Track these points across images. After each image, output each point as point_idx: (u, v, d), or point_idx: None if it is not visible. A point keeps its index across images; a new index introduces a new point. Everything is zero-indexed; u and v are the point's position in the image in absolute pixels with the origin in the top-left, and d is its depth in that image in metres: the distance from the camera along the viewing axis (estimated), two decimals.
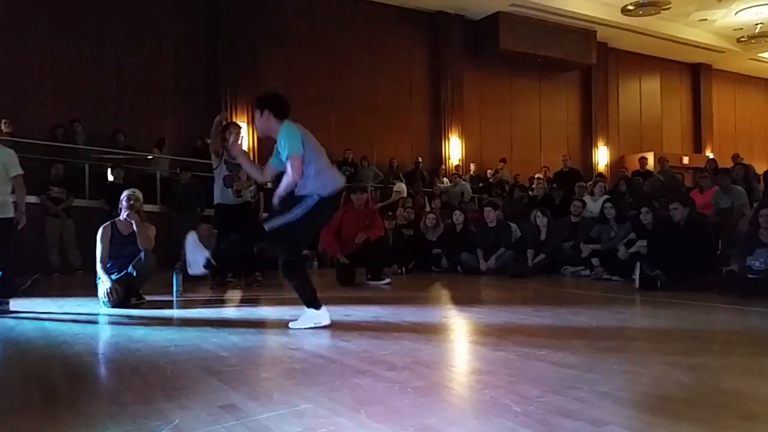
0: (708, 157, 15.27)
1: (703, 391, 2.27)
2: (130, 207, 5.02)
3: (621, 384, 2.32)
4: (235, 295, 5.95)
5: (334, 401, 2.14)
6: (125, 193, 5.13)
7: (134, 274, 4.90)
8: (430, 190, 12.22)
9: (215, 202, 6.39)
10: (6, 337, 3.73)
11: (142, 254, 4.95)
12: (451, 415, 2.02)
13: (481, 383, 2.46)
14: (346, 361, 2.81)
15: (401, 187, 10.82)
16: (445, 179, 12.83)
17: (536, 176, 12.48)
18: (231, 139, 5.06)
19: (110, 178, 9.10)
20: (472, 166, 13.80)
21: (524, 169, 14.21)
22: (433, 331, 3.64)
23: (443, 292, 6.42)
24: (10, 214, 4.59)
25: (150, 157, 10.34)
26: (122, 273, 4.87)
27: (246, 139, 11.53)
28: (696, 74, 18.94)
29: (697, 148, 18.76)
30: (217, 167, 6.30)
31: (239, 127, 6.81)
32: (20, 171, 4.72)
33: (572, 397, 2.14)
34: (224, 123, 6.59)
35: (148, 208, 9.09)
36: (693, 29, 16.55)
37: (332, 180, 3.68)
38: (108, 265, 4.90)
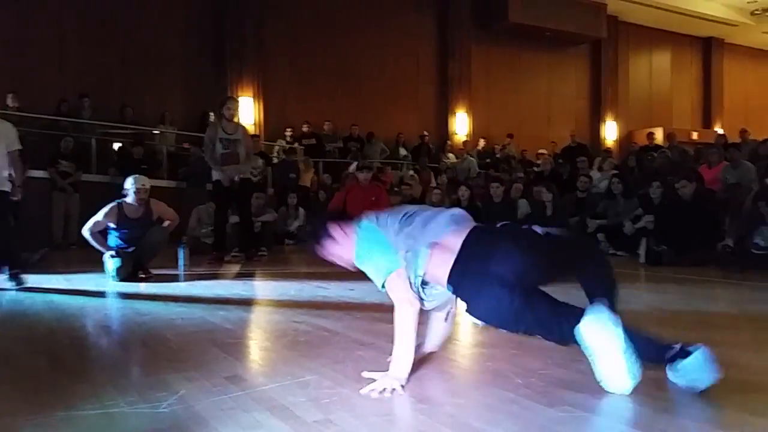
0: (717, 132, 15.12)
1: None
2: (138, 197, 5.01)
3: None
4: (240, 269, 5.97)
5: (338, 372, 2.16)
6: (134, 182, 5.03)
7: (143, 248, 4.95)
8: (437, 165, 12.19)
9: (214, 179, 6.39)
10: (14, 310, 3.77)
11: (153, 229, 4.99)
12: (453, 386, 2.04)
13: (484, 356, 2.48)
14: (349, 334, 2.83)
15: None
16: (451, 155, 12.77)
17: (540, 152, 12.43)
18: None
19: (120, 153, 9.13)
20: (482, 142, 13.71)
21: (532, 144, 14.11)
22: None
23: None
24: (6, 188, 4.57)
25: (157, 132, 10.34)
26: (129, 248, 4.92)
27: (252, 113, 11.52)
28: (707, 49, 18.64)
29: (707, 123, 18.56)
30: (209, 146, 6.31)
31: (237, 102, 6.82)
32: (18, 146, 4.58)
33: (574, 370, 2.14)
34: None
35: (155, 183, 9.17)
36: (706, 2, 16.26)
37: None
38: (116, 245, 4.93)
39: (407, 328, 2.01)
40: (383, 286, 2.09)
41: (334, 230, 2.20)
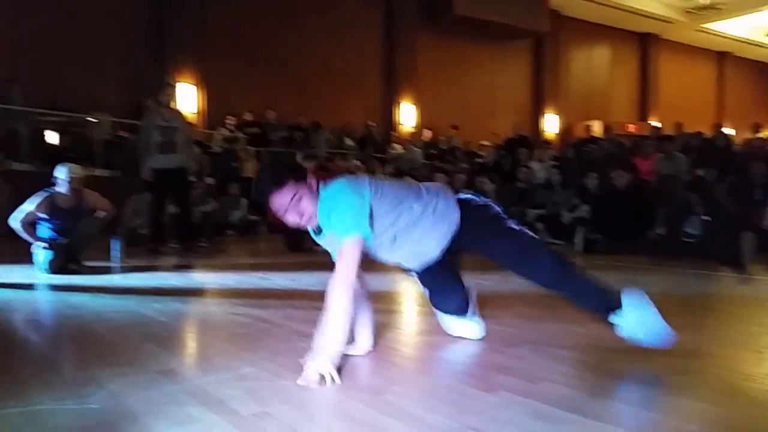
0: (652, 125, 15.67)
1: (637, 349, 2.34)
2: (70, 186, 4.79)
3: (559, 342, 2.38)
4: (178, 261, 5.82)
5: (277, 365, 2.13)
6: (65, 171, 4.79)
7: (76, 239, 4.75)
8: (383, 155, 12.19)
9: (150, 167, 6.19)
10: None
11: (85, 220, 4.80)
12: (393, 375, 2.04)
13: (426, 344, 2.49)
14: (290, 325, 2.80)
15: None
16: (397, 145, 12.78)
17: (482, 143, 12.61)
18: None
19: (52, 140, 8.72)
20: (429, 133, 13.75)
21: (477, 136, 14.28)
22: (380, 296, 3.65)
23: None
24: None
25: (95, 120, 9.94)
26: (61, 239, 4.71)
27: (195, 100, 11.23)
28: (645, 44, 19.29)
29: (643, 116, 19.22)
30: (145, 133, 6.12)
31: (174, 87, 6.65)
32: None
33: (512, 355, 2.18)
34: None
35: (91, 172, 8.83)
36: None
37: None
38: (48, 236, 4.72)
39: (343, 306, 1.94)
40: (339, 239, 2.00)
41: (313, 179, 2.06)
